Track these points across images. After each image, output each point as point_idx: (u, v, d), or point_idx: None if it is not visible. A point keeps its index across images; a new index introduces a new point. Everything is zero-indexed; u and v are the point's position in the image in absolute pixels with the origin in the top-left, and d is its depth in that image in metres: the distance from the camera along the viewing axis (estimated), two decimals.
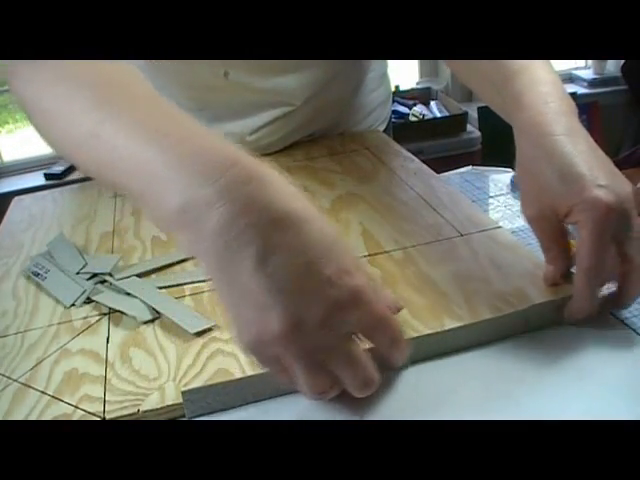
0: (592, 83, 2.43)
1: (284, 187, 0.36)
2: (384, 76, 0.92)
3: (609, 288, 0.45)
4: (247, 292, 0.33)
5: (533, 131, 0.45)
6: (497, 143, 1.37)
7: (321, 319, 0.34)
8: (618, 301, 0.45)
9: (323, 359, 0.35)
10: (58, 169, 2.11)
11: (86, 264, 0.57)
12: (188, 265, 0.56)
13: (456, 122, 2.09)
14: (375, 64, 0.89)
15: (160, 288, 0.53)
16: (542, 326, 0.45)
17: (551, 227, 0.45)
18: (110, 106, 0.40)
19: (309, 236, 0.34)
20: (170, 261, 0.57)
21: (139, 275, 0.55)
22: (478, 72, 0.56)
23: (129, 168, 0.37)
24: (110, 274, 0.55)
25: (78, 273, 0.56)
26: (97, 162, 0.40)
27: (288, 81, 0.75)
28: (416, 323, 0.44)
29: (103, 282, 0.55)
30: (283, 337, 0.33)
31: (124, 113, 0.39)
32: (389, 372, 0.41)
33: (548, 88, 0.47)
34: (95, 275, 0.56)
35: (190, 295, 0.52)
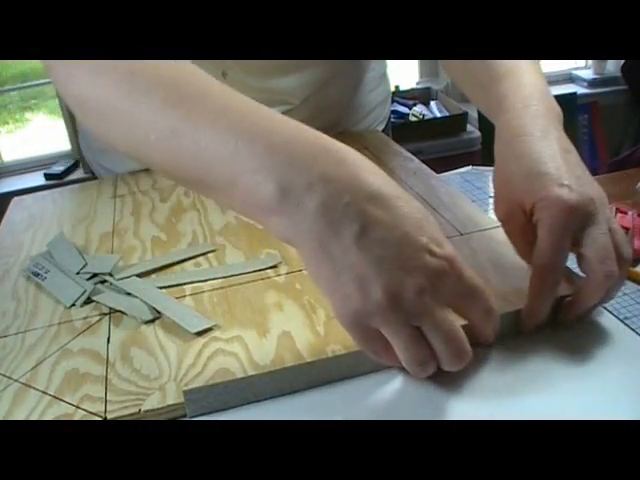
0: (592, 83, 2.43)
1: (373, 168, 0.38)
2: (383, 76, 0.92)
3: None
4: (348, 266, 0.35)
5: (508, 132, 0.46)
6: None
7: (419, 286, 0.35)
8: (573, 308, 0.44)
9: (421, 328, 0.37)
10: (58, 169, 2.11)
11: (86, 264, 0.57)
12: (188, 265, 0.56)
13: (456, 122, 2.09)
14: (375, 64, 0.89)
15: (160, 288, 0.53)
16: (541, 325, 0.45)
17: (520, 227, 0.45)
18: (187, 102, 0.40)
19: (402, 210, 0.37)
20: (170, 261, 0.57)
21: (139, 275, 0.55)
22: (469, 74, 0.56)
23: (214, 160, 0.38)
24: (110, 274, 0.55)
25: (78, 273, 0.56)
26: (177, 158, 0.40)
27: (287, 81, 0.75)
28: None
29: (103, 282, 0.55)
30: (384, 306, 0.35)
31: (202, 107, 0.40)
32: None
33: (530, 91, 0.48)
34: (95, 275, 0.56)
35: (190, 295, 0.52)
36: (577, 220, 0.41)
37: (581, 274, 0.43)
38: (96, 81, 0.44)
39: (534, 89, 0.48)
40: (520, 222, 0.44)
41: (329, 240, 0.36)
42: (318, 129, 0.65)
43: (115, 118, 0.44)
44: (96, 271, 0.56)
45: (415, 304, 0.35)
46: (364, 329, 0.37)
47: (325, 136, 0.39)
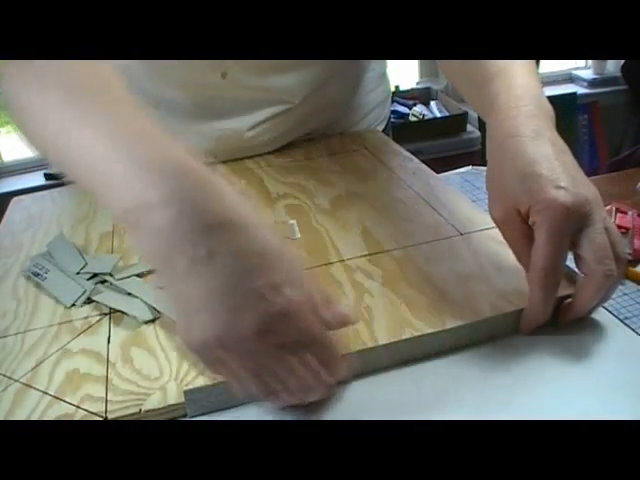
0: (592, 83, 2.43)
1: (230, 194, 0.36)
2: (383, 76, 0.92)
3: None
4: (185, 295, 0.34)
5: (501, 133, 0.46)
6: None
7: (250, 330, 0.34)
8: (573, 309, 0.44)
9: (263, 364, 0.35)
10: None
11: (86, 264, 0.57)
12: None
13: (456, 122, 2.09)
14: (374, 64, 0.89)
15: (160, 288, 0.52)
16: (542, 325, 0.45)
17: (517, 229, 0.44)
18: (81, 105, 0.40)
19: (248, 245, 0.35)
20: None
21: (139, 275, 0.55)
22: (463, 74, 0.56)
23: (92, 166, 0.38)
24: (110, 274, 0.55)
25: (78, 273, 0.56)
26: (65, 158, 0.41)
27: (286, 79, 0.75)
28: (417, 322, 0.44)
29: (103, 282, 0.55)
30: (217, 342, 0.34)
31: (93, 112, 0.40)
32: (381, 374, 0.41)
33: (522, 92, 0.47)
34: (95, 275, 0.56)
35: None
36: (574, 222, 0.41)
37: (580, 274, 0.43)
38: (14, 79, 0.45)
39: (526, 89, 0.47)
40: (516, 224, 0.44)
41: (168, 265, 0.34)
42: (318, 128, 0.66)
43: (21, 115, 0.45)
44: (96, 271, 0.56)
45: (248, 344, 0.34)
46: (207, 357, 0.35)
47: (195, 157, 0.38)
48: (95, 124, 0.39)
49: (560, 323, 0.44)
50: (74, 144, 0.39)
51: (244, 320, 0.34)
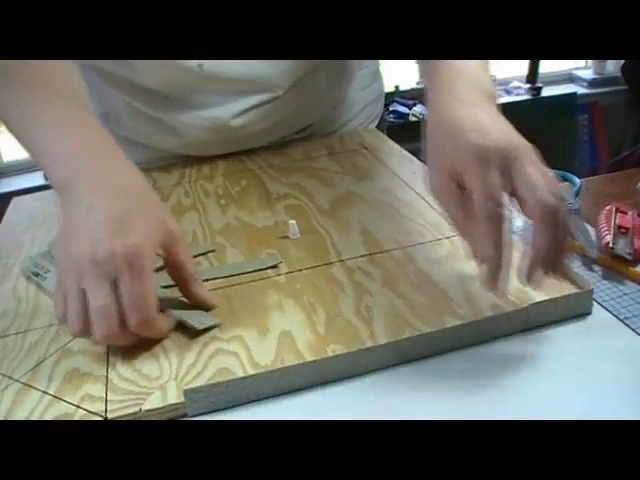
0: (592, 83, 2.44)
1: (119, 165, 0.50)
2: (377, 73, 0.92)
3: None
4: (69, 227, 0.47)
5: (434, 119, 0.47)
6: None
7: (89, 257, 0.43)
8: (533, 257, 0.42)
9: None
10: None
11: None
12: None
13: None
14: (366, 61, 0.89)
15: (163, 287, 0.53)
16: (542, 325, 0.45)
17: (455, 199, 0.44)
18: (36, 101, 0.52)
19: (122, 201, 0.46)
20: None
21: None
22: (427, 74, 0.57)
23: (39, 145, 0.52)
24: None
25: None
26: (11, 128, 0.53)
27: (266, 68, 0.74)
28: (417, 322, 0.44)
29: None
30: (77, 260, 0.44)
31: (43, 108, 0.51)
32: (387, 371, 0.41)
33: (454, 75, 0.49)
34: None
35: None
36: (499, 160, 0.42)
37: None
38: None
39: (459, 73, 0.48)
40: (454, 193, 0.44)
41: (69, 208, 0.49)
42: (312, 124, 0.67)
43: None
44: None
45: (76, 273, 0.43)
46: (60, 271, 0.46)
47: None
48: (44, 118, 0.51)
49: (533, 283, 0.43)
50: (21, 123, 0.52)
51: (92, 247, 0.43)
